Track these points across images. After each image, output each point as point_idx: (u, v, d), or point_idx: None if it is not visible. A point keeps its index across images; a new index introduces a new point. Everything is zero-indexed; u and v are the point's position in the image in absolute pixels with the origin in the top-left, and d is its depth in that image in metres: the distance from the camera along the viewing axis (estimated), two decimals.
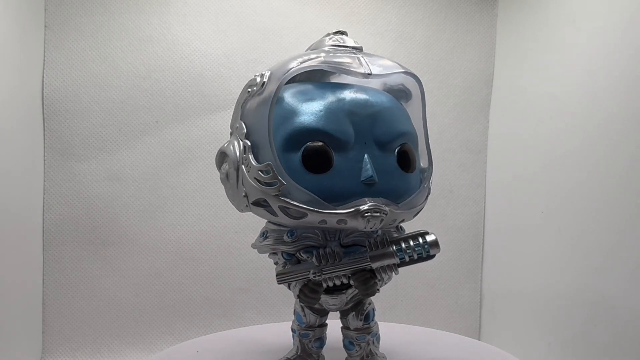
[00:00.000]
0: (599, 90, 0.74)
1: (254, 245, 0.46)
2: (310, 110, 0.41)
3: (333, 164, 0.40)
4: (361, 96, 0.42)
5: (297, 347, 0.50)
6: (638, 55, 0.67)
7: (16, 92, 0.78)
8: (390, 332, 0.63)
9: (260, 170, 0.39)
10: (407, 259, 0.42)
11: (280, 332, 0.61)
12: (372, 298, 0.47)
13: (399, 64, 0.44)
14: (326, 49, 0.44)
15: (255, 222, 0.46)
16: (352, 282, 0.43)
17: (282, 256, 0.44)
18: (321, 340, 0.50)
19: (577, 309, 0.76)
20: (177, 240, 0.90)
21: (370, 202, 0.39)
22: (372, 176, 0.40)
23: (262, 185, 0.40)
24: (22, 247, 0.80)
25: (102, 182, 0.88)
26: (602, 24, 0.74)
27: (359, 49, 0.44)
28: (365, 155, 0.41)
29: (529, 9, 0.92)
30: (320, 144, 0.40)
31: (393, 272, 0.43)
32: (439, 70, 0.99)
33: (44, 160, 0.86)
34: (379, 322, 0.49)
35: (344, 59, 0.42)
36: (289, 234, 0.43)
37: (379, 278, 0.42)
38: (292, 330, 0.50)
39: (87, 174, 0.87)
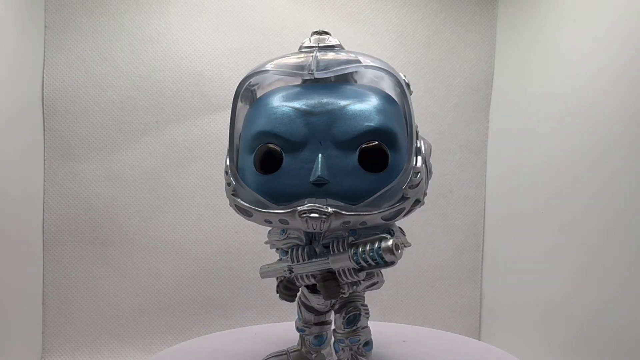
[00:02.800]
0: (599, 90, 0.74)
1: (266, 242, 0.47)
2: (268, 112, 0.41)
3: (282, 165, 0.40)
4: (322, 95, 0.41)
5: (299, 342, 0.51)
6: (638, 54, 0.67)
7: (16, 92, 0.78)
8: (390, 332, 0.63)
9: (225, 172, 0.42)
10: (363, 263, 0.40)
11: (280, 331, 0.61)
12: (370, 300, 0.47)
13: (369, 58, 0.42)
14: (305, 50, 0.44)
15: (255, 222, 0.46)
16: (316, 282, 0.42)
17: (279, 253, 0.45)
18: (320, 339, 0.50)
19: (578, 309, 0.76)
20: (177, 240, 0.90)
21: (309, 203, 0.38)
22: (320, 176, 0.39)
23: (226, 185, 0.42)
24: (22, 247, 0.80)
25: (102, 182, 0.88)
26: (602, 24, 0.74)
27: (330, 47, 0.43)
28: (320, 155, 0.39)
29: (529, 9, 0.91)
30: (271, 145, 0.40)
31: (355, 276, 0.41)
32: (439, 70, 0.99)
33: (44, 160, 0.86)
34: (379, 322, 0.48)
35: (294, 59, 0.42)
36: (280, 232, 0.43)
37: (342, 281, 0.41)
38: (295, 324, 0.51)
39: (87, 174, 0.87)
